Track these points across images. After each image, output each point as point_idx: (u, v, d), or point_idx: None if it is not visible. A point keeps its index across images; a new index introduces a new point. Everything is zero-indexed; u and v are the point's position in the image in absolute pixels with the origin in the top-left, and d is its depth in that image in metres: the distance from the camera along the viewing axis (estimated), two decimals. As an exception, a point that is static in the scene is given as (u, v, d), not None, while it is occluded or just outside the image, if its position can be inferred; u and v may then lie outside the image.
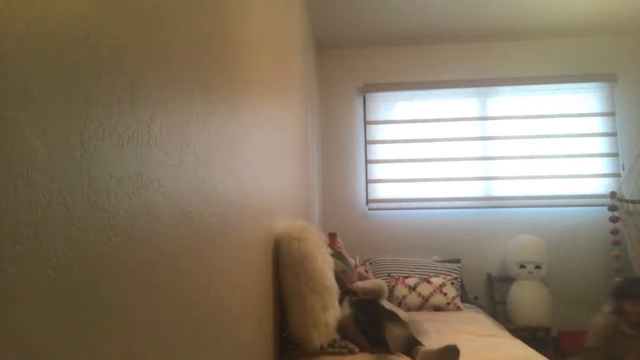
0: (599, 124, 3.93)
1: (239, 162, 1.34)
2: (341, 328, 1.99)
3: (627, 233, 3.47)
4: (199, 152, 1.01)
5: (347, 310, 2.10)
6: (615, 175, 3.86)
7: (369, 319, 2.03)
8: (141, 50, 0.76)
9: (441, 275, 3.46)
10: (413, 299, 3.28)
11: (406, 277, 3.45)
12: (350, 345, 1.93)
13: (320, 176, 4.05)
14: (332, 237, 2.90)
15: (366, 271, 2.95)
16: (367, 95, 4.15)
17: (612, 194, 3.61)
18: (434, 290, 3.30)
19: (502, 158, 3.96)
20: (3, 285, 0.46)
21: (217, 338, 1.10)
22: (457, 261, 3.74)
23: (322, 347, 1.83)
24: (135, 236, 0.72)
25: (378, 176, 4.06)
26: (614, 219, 3.57)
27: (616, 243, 3.57)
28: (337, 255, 2.56)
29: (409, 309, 3.17)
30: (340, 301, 2.13)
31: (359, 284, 2.61)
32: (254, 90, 1.58)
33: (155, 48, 0.81)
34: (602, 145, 3.91)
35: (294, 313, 1.82)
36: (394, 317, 2.11)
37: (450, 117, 4.04)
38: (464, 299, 3.49)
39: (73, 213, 0.57)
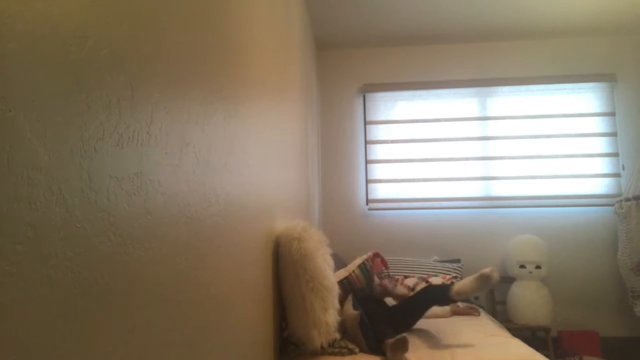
0: (599, 124, 3.93)
1: (239, 162, 1.34)
2: (344, 325, 1.99)
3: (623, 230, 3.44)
4: (199, 152, 1.01)
5: (350, 308, 2.10)
6: (616, 175, 3.86)
7: (374, 323, 2.04)
8: (141, 50, 0.76)
9: (440, 275, 3.46)
10: (413, 299, 3.28)
11: (405, 278, 3.45)
12: (351, 346, 1.93)
13: (320, 176, 4.05)
14: (376, 256, 2.69)
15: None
16: (367, 95, 4.15)
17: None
18: (434, 290, 3.30)
19: (502, 158, 3.96)
20: (3, 285, 0.46)
21: (217, 338, 1.10)
22: (457, 261, 3.74)
23: (322, 347, 1.83)
24: (135, 236, 0.72)
25: (378, 176, 4.06)
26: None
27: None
28: (365, 273, 2.52)
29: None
30: (342, 302, 2.12)
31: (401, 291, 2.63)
32: (254, 90, 1.58)
33: (155, 48, 0.81)
34: (602, 145, 3.91)
35: (294, 313, 1.82)
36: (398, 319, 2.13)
37: (450, 117, 4.04)
38: (464, 299, 3.49)
39: (73, 213, 0.57)
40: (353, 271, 2.51)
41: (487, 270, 2.03)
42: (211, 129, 1.10)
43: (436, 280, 3.37)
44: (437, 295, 2.24)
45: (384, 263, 2.84)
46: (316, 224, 3.55)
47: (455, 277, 3.49)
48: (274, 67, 1.97)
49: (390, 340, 1.83)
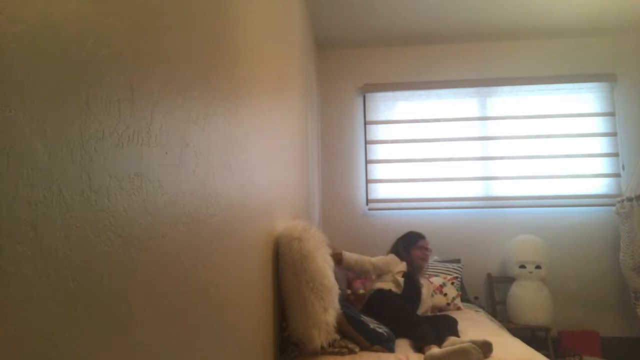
0: (598, 124, 3.93)
1: (239, 162, 1.34)
2: (339, 329, 1.99)
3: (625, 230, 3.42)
4: (199, 152, 1.01)
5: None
6: (616, 175, 3.85)
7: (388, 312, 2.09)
8: (141, 50, 0.76)
9: (441, 275, 3.46)
10: (413, 299, 3.28)
11: (406, 277, 3.44)
12: (351, 345, 1.93)
13: (320, 176, 4.05)
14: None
15: None
16: (367, 95, 4.15)
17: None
18: (434, 291, 3.30)
19: (502, 158, 3.96)
20: (3, 285, 0.46)
21: (217, 338, 1.10)
22: (457, 261, 3.73)
23: (322, 347, 1.83)
24: (135, 236, 0.72)
25: (378, 176, 4.06)
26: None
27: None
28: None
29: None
30: None
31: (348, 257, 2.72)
32: (254, 90, 1.58)
33: (155, 48, 0.81)
34: (602, 145, 3.90)
35: (294, 313, 1.82)
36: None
37: (450, 117, 4.04)
38: (464, 299, 3.49)
39: (73, 213, 0.57)
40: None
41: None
42: (211, 129, 1.10)
43: (437, 281, 3.37)
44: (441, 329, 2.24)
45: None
46: (316, 224, 3.55)
47: (456, 277, 3.49)
48: (274, 67, 1.97)
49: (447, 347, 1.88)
